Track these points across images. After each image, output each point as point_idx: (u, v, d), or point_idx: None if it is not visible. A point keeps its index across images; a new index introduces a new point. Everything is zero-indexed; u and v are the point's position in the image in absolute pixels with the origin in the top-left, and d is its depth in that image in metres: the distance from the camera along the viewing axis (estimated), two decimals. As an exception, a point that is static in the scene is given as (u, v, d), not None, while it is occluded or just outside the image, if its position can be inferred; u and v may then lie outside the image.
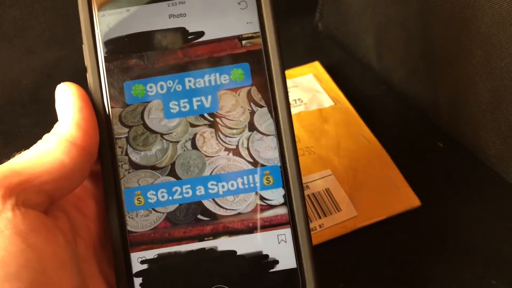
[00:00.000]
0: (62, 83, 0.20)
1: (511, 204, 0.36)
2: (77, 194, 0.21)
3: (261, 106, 0.21)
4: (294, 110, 0.41)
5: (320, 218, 0.34)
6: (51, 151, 0.19)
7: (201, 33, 0.21)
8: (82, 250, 0.20)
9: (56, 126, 0.20)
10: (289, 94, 0.43)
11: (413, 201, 0.36)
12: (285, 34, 0.54)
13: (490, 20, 0.33)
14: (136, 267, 0.20)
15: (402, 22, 0.42)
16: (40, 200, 0.18)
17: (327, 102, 0.42)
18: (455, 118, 0.40)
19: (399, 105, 0.44)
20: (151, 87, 0.21)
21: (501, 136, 0.36)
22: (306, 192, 0.35)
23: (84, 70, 0.21)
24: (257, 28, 0.21)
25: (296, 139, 0.38)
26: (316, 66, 0.46)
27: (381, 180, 0.37)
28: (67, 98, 0.20)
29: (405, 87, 0.45)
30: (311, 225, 0.34)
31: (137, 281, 0.20)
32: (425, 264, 0.33)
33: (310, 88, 0.43)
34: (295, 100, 0.42)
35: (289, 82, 0.44)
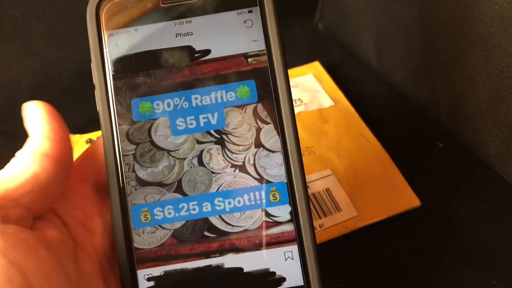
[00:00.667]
0: (27, 102, 0.20)
1: (511, 204, 0.36)
2: (84, 210, 0.21)
3: (267, 123, 0.21)
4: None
5: (320, 218, 0.34)
6: (24, 165, 0.19)
7: (208, 51, 0.21)
8: (88, 266, 0.20)
9: (26, 142, 0.20)
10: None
11: (413, 201, 0.36)
12: (286, 34, 0.54)
13: (490, 20, 0.33)
14: (143, 284, 0.20)
15: (402, 22, 0.42)
16: (19, 215, 0.18)
17: (327, 102, 0.42)
18: (455, 118, 0.40)
19: (399, 105, 0.45)
20: (158, 104, 0.21)
21: (501, 136, 0.36)
22: (306, 192, 0.35)
23: (93, 88, 0.21)
24: (262, 46, 0.21)
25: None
26: (316, 66, 0.46)
27: (381, 180, 0.37)
28: (34, 114, 0.20)
29: (405, 87, 0.45)
30: (311, 225, 0.34)
31: None
32: (425, 264, 0.33)
33: (310, 88, 0.43)
34: (295, 100, 0.42)
35: (289, 82, 0.44)
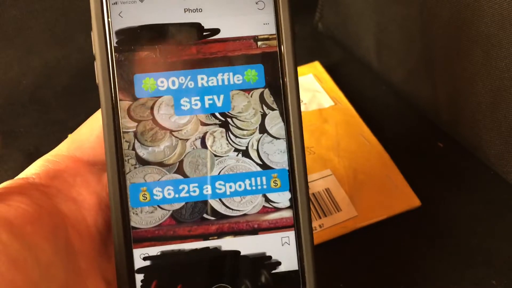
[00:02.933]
0: None
1: (511, 204, 0.36)
2: (76, 186, 0.21)
3: (272, 109, 0.21)
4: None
5: (320, 218, 0.34)
6: None
7: (217, 30, 0.21)
8: (77, 243, 0.20)
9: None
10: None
11: (413, 201, 0.36)
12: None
13: (490, 20, 0.33)
14: (138, 263, 0.20)
15: (402, 22, 0.42)
16: None
17: (327, 102, 0.42)
18: (455, 118, 0.40)
19: (399, 105, 0.45)
20: (162, 81, 0.20)
21: (501, 136, 0.36)
22: (306, 192, 0.35)
23: (92, 58, 0.20)
24: (273, 30, 0.21)
25: (296, 139, 0.39)
26: (316, 66, 0.46)
27: (381, 180, 0.37)
28: None
29: (405, 87, 0.45)
30: (311, 225, 0.34)
31: (139, 277, 0.20)
32: (425, 263, 0.33)
33: (310, 88, 0.43)
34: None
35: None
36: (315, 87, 0.44)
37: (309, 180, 0.36)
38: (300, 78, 0.44)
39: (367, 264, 0.33)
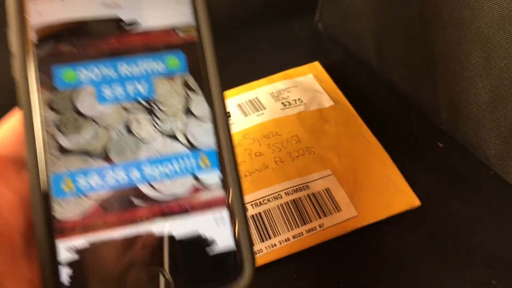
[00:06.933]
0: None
1: (511, 204, 0.36)
2: None
3: (196, 94, 0.21)
4: (294, 110, 0.41)
5: (320, 218, 0.34)
6: None
7: (136, 22, 0.21)
8: None
9: None
10: (289, 94, 0.43)
11: (413, 201, 0.36)
12: (285, 34, 0.54)
13: (490, 20, 0.33)
14: (65, 257, 0.19)
15: (402, 22, 0.42)
16: None
17: (327, 102, 0.42)
18: (455, 118, 0.40)
19: (399, 105, 0.45)
20: (82, 72, 0.21)
21: (501, 136, 0.36)
22: (306, 192, 0.35)
23: (10, 55, 0.20)
24: (191, 20, 0.22)
25: (296, 139, 0.39)
26: (316, 66, 0.46)
27: (381, 180, 0.37)
28: None
29: (405, 87, 0.45)
30: (311, 225, 0.34)
31: (65, 271, 0.19)
32: (425, 264, 0.33)
33: (310, 88, 0.43)
34: (295, 100, 0.42)
35: (289, 82, 0.44)
36: (315, 87, 0.44)
37: (309, 180, 0.36)
38: (300, 78, 0.45)
39: (367, 264, 0.33)
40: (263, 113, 0.41)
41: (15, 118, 0.21)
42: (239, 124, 0.40)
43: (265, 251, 0.33)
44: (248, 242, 0.21)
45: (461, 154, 0.40)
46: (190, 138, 0.21)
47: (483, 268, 0.32)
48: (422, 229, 0.35)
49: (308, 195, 0.35)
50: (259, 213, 0.34)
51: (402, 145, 0.40)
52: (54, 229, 0.19)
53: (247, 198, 0.35)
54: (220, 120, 0.21)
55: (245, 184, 0.36)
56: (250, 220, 0.34)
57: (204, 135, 0.21)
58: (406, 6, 0.41)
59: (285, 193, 0.35)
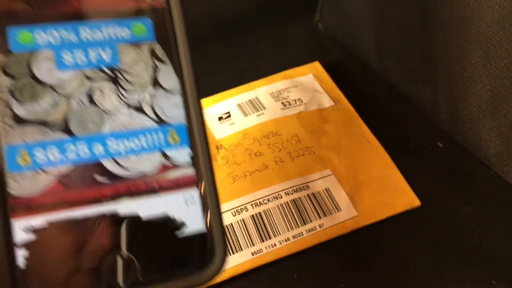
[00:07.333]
0: None
1: (511, 204, 0.36)
2: None
3: (165, 64, 0.20)
4: (294, 110, 0.41)
5: (320, 218, 0.34)
6: None
7: None
8: None
9: None
10: (289, 94, 0.43)
11: (413, 201, 0.36)
12: (285, 34, 0.54)
13: (490, 20, 0.33)
14: (20, 237, 0.18)
15: (402, 22, 0.42)
16: None
17: (327, 102, 0.42)
18: (455, 118, 0.40)
19: (399, 105, 0.45)
20: (40, 34, 0.19)
21: (501, 136, 0.36)
22: (306, 192, 0.35)
23: None
24: None
25: (296, 139, 0.39)
26: (316, 66, 0.46)
27: (381, 180, 0.37)
28: None
29: (405, 87, 0.45)
30: (311, 225, 0.34)
31: (21, 253, 0.18)
32: (425, 263, 0.33)
33: (310, 88, 0.43)
34: (295, 100, 0.42)
35: (289, 82, 0.44)
36: (315, 87, 0.44)
37: (309, 180, 0.36)
38: (300, 78, 0.45)
39: (367, 264, 0.33)
40: (263, 113, 0.41)
41: None
42: (239, 124, 0.40)
43: (265, 251, 0.33)
44: (220, 225, 0.19)
45: (461, 154, 0.40)
46: (157, 111, 0.20)
47: (483, 268, 0.32)
48: (422, 229, 0.35)
49: (308, 195, 0.35)
50: (259, 213, 0.34)
51: (402, 145, 0.40)
52: (8, 207, 0.18)
53: (247, 198, 0.35)
54: (190, 93, 0.20)
55: (245, 184, 0.36)
56: (250, 220, 0.34)
57: (173, 109, 0.20)
58: (406, 6, 0.41)
59: (285, 193, 0.35)
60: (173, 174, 0.19)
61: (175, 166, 0.19)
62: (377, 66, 0.47)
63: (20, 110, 0.18)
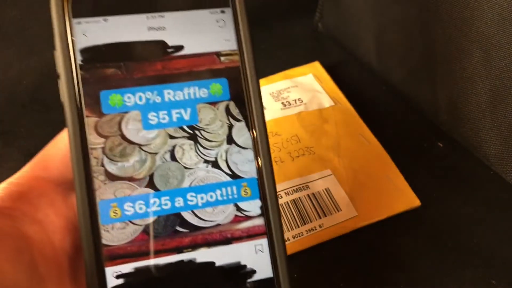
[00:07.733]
0: None
1: (511, 204, 0.36)
2: (40, 208, 0.20)
3: (238, 120, 0.22)
4: (294, 110, 0.41)
5: (320, 218, 0.34)
6: None
7: (181, 47, 0.21)
8: (43, 267, 0.19)
9: None
10: (289, 94, 0.43)
11: (413, 201, 0.36)
12: (285, 34, 0.54)
13: (490, 20, 0.33)
14: (111, 282, 0.20)
15: (402, 22, 0.42)
16: None
17: (327, 102, 0.42)
18: (455, 118, 0.40)
19: (399, 105, 0.45)
20: (129, 97, 0.21)
21: (501, 136, 0.36)
22: (306, 192, 0.35)
23: (57, 77, 0.20)
24: (234, 46, 0.22)
25: (296, 139, 0.39)
26: (316, 66, 0.46)
27: (381, 180, 0.37)
28: None
29: (405, 87, 0.45)
30: (311, 225, 0.34)
31: None
32: (425, 264, 0.33)
33: (310, 88, 0.43)
34: (295, 100, 0.42)
35: (289, 82, 0.44)
36: (315, 87, 0.44)
37: (309, 180, 0.36)
38: (300, 78, 0.45)
39: (367, 264, 0.33)
40: (263, 113, 0.41)
41: (59, 139, 0.22)
42: (239, 124, 0.40)
43: (265, 251, 0.33)
44: (286, 269, 0.21)
45: (461, 154, 0.40)
46: (231, 166, 0.21)
47: (483, 268, 0.32)
48: (422, 229, 0.35)
49: (308, 195, 0.35)
50: (259, 213, 0.34)
51: (402, 145, 0.40)
52: (102, 255, 0.20)
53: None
54: (261, 147, 0.21)
55: (245, 184, 0.36)
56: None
57: (245, 163, 0.21)
58: (406, 6, 0.41)
59: (285, 193, 0.35)
60: (245, 225, 0.21)
61: (247, 217, 0.21)
62: (377, 66, 0.47)
63: (111, 168, 0.20)
